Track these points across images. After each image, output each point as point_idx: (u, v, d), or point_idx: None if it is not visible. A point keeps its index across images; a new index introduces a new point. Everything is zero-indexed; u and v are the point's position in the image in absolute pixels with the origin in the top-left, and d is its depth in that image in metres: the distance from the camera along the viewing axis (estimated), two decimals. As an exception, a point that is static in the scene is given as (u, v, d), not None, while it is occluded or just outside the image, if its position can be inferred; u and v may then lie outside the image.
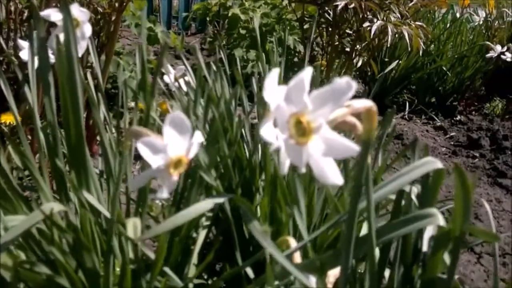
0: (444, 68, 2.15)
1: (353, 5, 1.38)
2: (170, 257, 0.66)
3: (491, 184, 1.54)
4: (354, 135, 0.36)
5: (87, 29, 0.52)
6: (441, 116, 2.14)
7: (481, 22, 2.14)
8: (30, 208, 0.58)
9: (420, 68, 2.15)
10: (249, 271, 0.69)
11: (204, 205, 0.45)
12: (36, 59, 0.58)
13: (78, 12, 0.51)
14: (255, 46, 1.93)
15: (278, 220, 0.71)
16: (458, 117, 2.09)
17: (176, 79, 1.02)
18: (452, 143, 1.86)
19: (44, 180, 0.61)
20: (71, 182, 0.53)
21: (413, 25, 1.44)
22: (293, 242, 0.51)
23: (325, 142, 0.30)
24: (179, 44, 2.22)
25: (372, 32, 1.37)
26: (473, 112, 2.22)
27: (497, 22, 2.08)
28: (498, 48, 1.81)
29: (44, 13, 0.53)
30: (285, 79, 0.88)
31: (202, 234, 0.72)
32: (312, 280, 0.44)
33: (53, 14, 0.52)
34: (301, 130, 0.31)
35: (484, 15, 2.13)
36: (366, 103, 0.33)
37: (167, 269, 0.62)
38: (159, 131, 0.53)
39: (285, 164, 0.38)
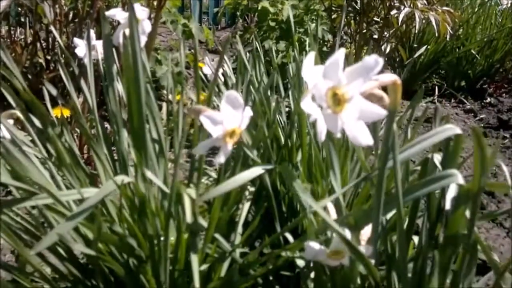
0: (473, 52, 2.16)
1: (380, -7, 1.43)
2: (219, 226, 0.74)
3: (521, 163, 1.57)
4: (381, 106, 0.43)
5: (147, 25, 0.60)
6: (470, 99, 2.16)
7: (509, 5, 2.14)
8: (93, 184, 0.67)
9: (449, 53, 2.17)
10: (289, 237, 0.76)
11: (255, 170, 0.53)
12: (87, 54, 0.67)
13: (140, 11, 0.59)
14: (284, 37, 2.00)
15: (315, 192, 0.78)
16: (488, 99, 2.11)
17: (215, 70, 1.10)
18: (482, 125, 1.88)
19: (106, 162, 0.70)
20: (136, 161, 0.61)
21: (440, 11, 1.48)
22: (330, 206, 0.58)
23: (358, 109, 0.37)
24: (211, 39, 2.30)
25: (400, 19, 1.42)
26: (503, 94, 2.23)
27: (526, 3, 2.08)
28: (528, 29, 1.81)
29: (109, 13, 0.61)
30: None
31: (246, 206, 0.80)
32: (348, 234, 0.51)
33: (118, 14, 0.60)
34: (336, 101, 0.38)
35: (512, -3, 2.13)
36: (391, 77, 0.40)
37: (217, 236, 0.70)
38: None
39: (323, 133, 0.45)
